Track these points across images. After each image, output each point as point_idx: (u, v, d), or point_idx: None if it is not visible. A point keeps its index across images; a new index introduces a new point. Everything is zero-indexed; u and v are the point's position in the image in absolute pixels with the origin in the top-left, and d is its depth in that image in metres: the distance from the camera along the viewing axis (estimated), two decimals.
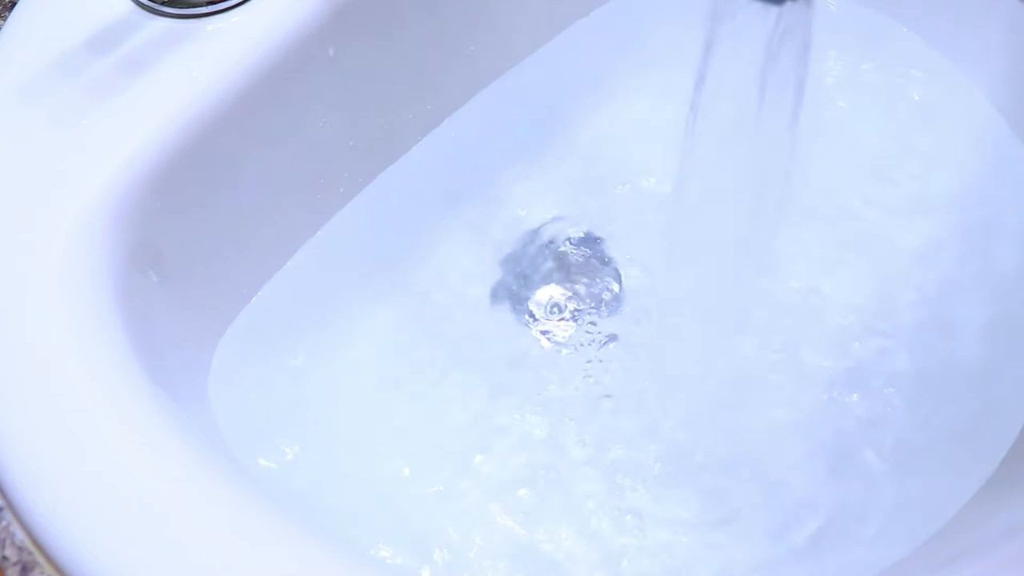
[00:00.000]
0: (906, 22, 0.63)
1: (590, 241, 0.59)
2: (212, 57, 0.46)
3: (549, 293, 0.58)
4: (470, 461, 0.52)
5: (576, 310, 0.57)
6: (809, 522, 0.50)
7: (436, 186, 0.59)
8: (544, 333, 0.56)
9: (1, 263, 0.41)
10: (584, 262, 0.58)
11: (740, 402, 0.54)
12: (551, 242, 0.59)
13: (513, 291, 0.58)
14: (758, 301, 0.56)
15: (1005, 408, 0.52)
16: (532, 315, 0.57)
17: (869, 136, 0.61)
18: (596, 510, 0.51)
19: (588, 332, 0.56)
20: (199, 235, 0.48)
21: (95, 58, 0.45)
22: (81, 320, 0.40)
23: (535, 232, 0.59)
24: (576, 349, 0.56)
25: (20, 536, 0.37)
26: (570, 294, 0.58)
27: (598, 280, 0.58)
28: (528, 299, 0.57)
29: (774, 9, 0.38)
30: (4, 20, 0.47)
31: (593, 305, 0.57)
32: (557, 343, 0.56)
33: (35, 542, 0.36)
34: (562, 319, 0.57)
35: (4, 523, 0.37)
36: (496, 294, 0.58)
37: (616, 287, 0.58)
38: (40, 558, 0.36)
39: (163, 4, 0.46)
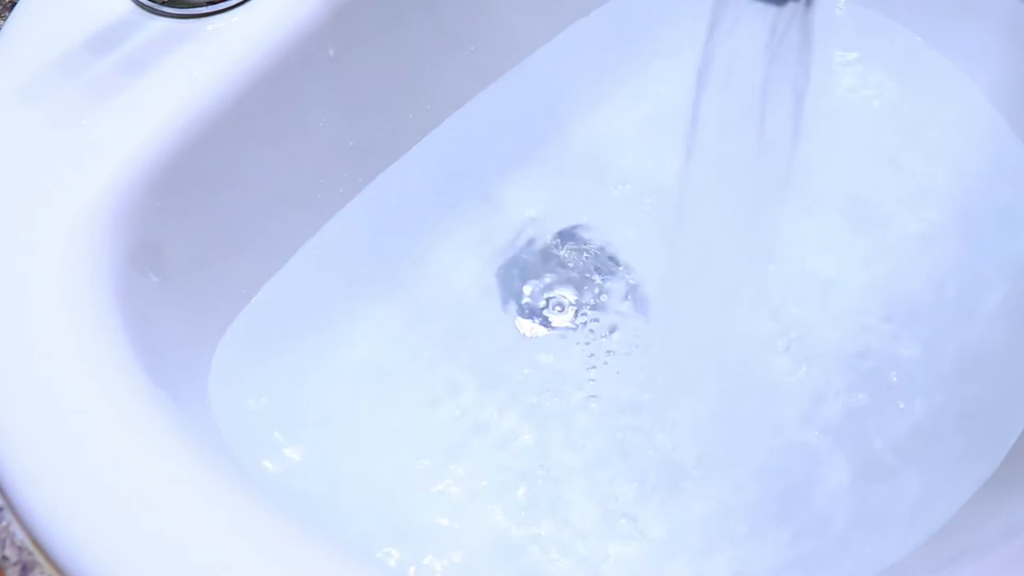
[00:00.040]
0: (906, 22, 0.63)
1: (591, 240, 0.59)
2: (212, 57, 0.46)
3: (550, 292, 0.58)
4: (471, 461, 0.52)
5: (577, 310, 0.57)
6: (808, 522, 0.50)
7: (436, 186, 0.59)
8: (545, 333, 0.56)
9: (1, 263, 0.41)
10: (585, 261, 0.58)
11: (740, 401, 0.54)
12: (551, 242, 0.59)
13: (513, 290, 0.58)
14: (758, 300, 0.56)
15: (1005, 408, 0.52)
16: (533, 314, 0.57)
17: (869, 136, 0.61)
18: (597, 512, 0.51)
19: (591, 331, 0.56)
20: (199, 235, 0.48)
21: (95, 58, 0.45)
22: (81, 320, 0.40)
23: (535, 231, 0.59)
24: (577, 348, 0.56)
25: (20, 536, 0.37)
26: (571, 294, 0.58)
27: (599, 279, 0.58)
28: (529, 298, 0.57)
29: (775, 9, 0.38)
30: (4, 20, 0.47)
31: (595, 304, 0.57)
32: (558, 342, 0.56)
33: (35, 542, 0.36)
34: (563, 318, 0.57)
35: (4, 523, 0.37)
36: (496, 293, 0.58)
37: (618, 286, 0.58)
38: (40, 558, 0.36)
39: (163, 4, 0.46)
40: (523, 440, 0.53)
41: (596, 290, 0.58)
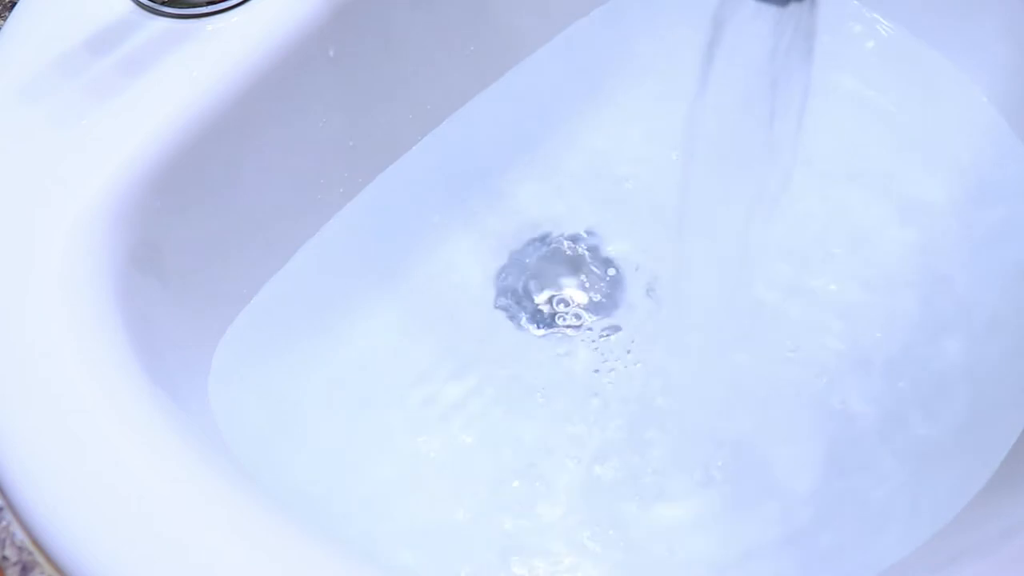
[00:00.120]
0: (906, 22, 0.63)
1: (591, 240, 0.59)
2: (212, 57, 0.46)
3: (551, 293, 0.58)
4: (471, 461, 0.52)
5: (578, 310, 0.57)
6: (808, 522, 0.50)
7: (436, 186, 0.59)
8: (545, 333, 0.56)
9: (1, 263, 0.41)
10: (586, 261, 0.58)
11: (741, 400, 0.54)
12: (552, 242, 0.59)
13: (514, 291, 0.58)
14: (760, 300, 0.56)
15: (1005, 408, 0.52)
16: (533, 314, 0.57)
17: (869, 136, 0.61)
18: (599, 514, 0.51)
19: (591, 331, 0.56)
20: (199, 235, 0.48)
21: (95, 58, 0.45)
22: (81, 320, 0.40)
23: (536, 232, 0.59)
24: (579, 348, 0.56)
25: (20, 536, 0.37)
26: (572, 293, 0.58)
27: (600, 279, 0.58)
28: (529, 298, 0.57)
29: (777, 10, 0.38)
30: (4, 20, 0.47)
31: (596, 304, 0.57)
32: (559, 342, 0.56)
33: (35, 542, 0.36)
34: (564, 318, 0.57)
35: (4, 523, 0.37)
36: (497, 294, 0.58)
37: (619, 285, 0.58)
38: (40, 558, 0.36)
39: (163, 4, 0.46)
40: (525, 440, 0.53)
41: (597, 289, 0.58)
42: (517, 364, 0.55)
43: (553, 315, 0.57)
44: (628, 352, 0.55)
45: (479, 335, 0.56)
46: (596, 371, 0.55)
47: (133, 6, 0.47)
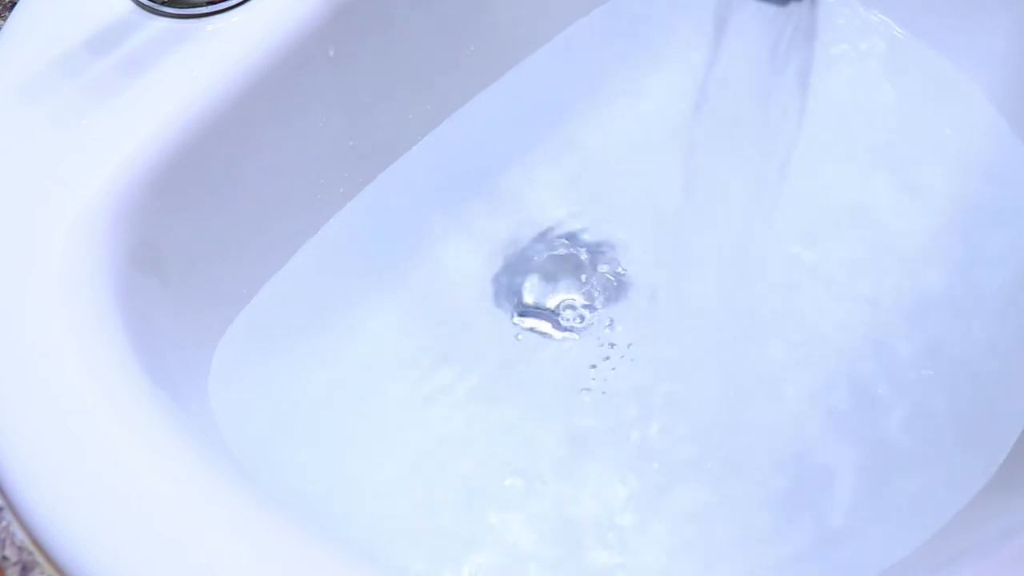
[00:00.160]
0: (906, 22, 0.63)
1: (591, 240, 0.59)
2: (212, 57, 0.46)
3: (551, 293, 0.58)
4: (472, 460, 0.52)
5: (579, 310, 0.57)
6: (808, 521, 0.50)
7: (436, 186, 0.59)
8: (546, 333, 0.56)
9: (1, 263, 0.41)
10: (586, 261, 0.58)
11: (740, 399, 0.54)
12: (552, 242, 0.59)
13: (515, 291, 0.58)
14: (760, 298, 0.56)
15: (1006, 408, 0.52)
16: (534, 314, 0.57)
17: (869, 136, 0.61)
18: (601, 513, 0.51)
19: (593, 330, 0.56)
20: (199, 235, 0.48)
21: (95, 58, 0.45)
22: (81, 320, 0.40)
23: (536, 232, 0.59)
24: (579, 347, 0.56)
25: (20, 536, 0.37)
26: (572, 293, 0.58)
27: (601, 279, 0.58)
28: (530, 298, 0.57)
29: (777, 9, 0.38)
30: (4, 20, 0.47)
31: (597, 303, 0.57)
32: (559, 342, 0.56)
33: (35, 542, 0.36)
34: (565, 318, 0.57)
35: (4, 523, 0.37)
36: (497, 294, 0.58)
37: (620, 285, 0.58)
38: (40, 558, 0.36)
39: (163, 4, 0.46)
40: (526, 439, 0.53)
41: (598, 289, 0.58)
42: (518, 362, 0.55)
43: (554, 314, 0.57)
44: (629, 349, 0.55)
45: (480, 335, 0.56)
46: (597, 368, 0.55)
47: (133, 6, 0.47)
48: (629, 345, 0.56)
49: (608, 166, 0.61)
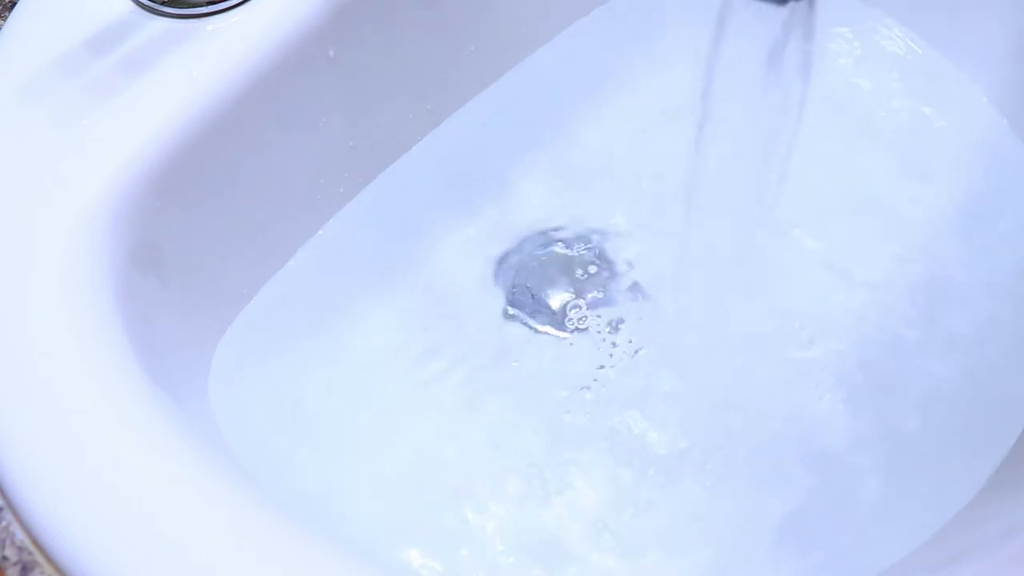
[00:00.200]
0: (906, 22, 0.63)
1: (592, 240, 0.59)
2: (212, 57, 0.46)
3: (551, 292, 0.58)
4: (472, 460, 0.52)
5: (580, 309, 0.57)
6: (808, 521, 0.50)
7: (436, 186, 0.59)
8: (547, 332, 0.56)
9: (1, 263, 0.41)
10: (586, 261, 0.58)
11: (741, 398, 0.54)
12: (552, 241, 0.59)
13: (515, 290, 0.58)
14: (763, 296, 0.56)
15: (1006, 408, 0.52)
16: (534, 313, 0.57)
17: (869, 135, 0.61)
18: (604, 519, 0.51)
19: (594, 330, 0.56)
20: (199, 235, 0.48)
21: (95, 58, 0.45)
22: (81, 320, 0.40)
23: (536, 231, 0.59)
24: (580, 347, 0.56)
25: (20, 536, 0.37)
26: (573, 293, 0.58)
27: (601, 278, 0.58)
28: (530, 297, 0.57)
29: (776, 9, 0.38)
30: (4, 20, 0.47)
31: (598, 303, 0.57)
32: (560, 341, 0.56)
33: (35, 542, 0.36)
34: (566, 317, 0.57)
35: (4, 523, 0.37)
36: (498, 293, 0.58)
37: (621, 284, 0.58)
38: (40, 558, 0.36)
39: (163, 4, 0.46)
40: (526, 439, 0.53)
41: (599, 288, 0.58)
42: (519, 363, 0.55)
43: (554, 313, 0.57)
44: (631, 348, 0.55)
45: (480, 334, 0.56)
46: (600, 367, 0.55)
47: (133, 6, 0.47)
48: (631, 343, 0.56)
49: (608, 166, 0.61)
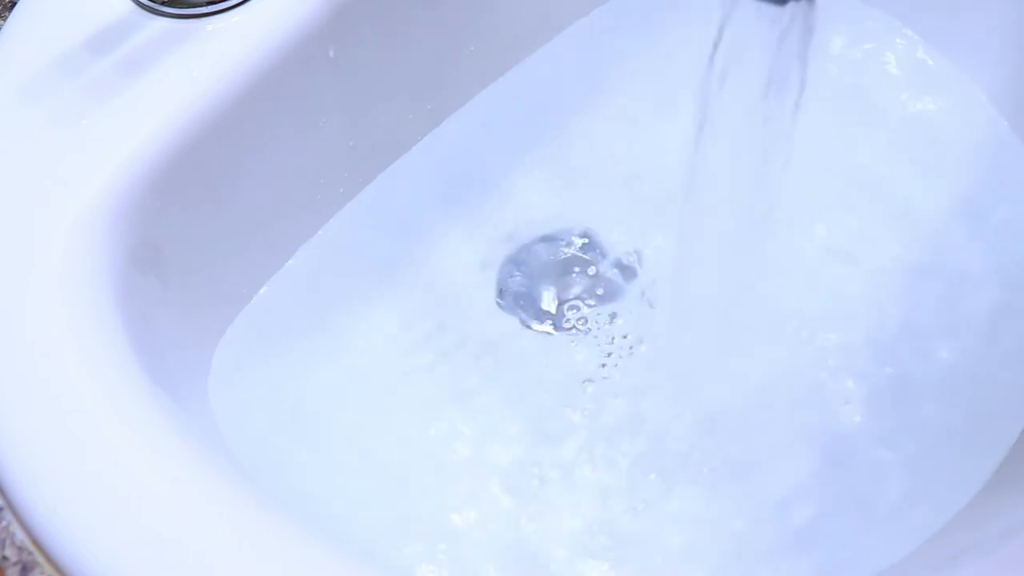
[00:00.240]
0: (907, 22, 0.63)
1: (592, 239, 0.59)
2: (212, 57, 0.46)
3: (552, 292, 0.58)
4: (473, 460, 0.52)
5: (581, 308, 0.57)
6: (808, 521, 0.50)
7: (436, 186, 0.59)
8: (547, 331, 0.56)
9: (1, 263, 0.41)
10: (587, 260, 0.58)
11: (741, 397, 0.54)
12: (553, 241, 0.59)
13: (515, 289, 0.58)
14: (761, 295, 0.56)
15: (1005, 408, 0.52)
16: (534, 313, 0.57)
17: (869, 135, 0.61)
18: (604, 513, 0.51)
19: (594, 330, 0.56)
20: (199, 235, 0.48)
21: (95, 58, 0.45)
22: (81, 320, 0.40)
23: (536, 231, 0.59)
24: (581, 347, 0.56)
25: (20, 536, 0.37)
26: (573, 292, 0.58)
27: (602, 278, 0.58)
28: (530, 298, 0.57)
29: (776, 9, 0.38)
30: (4, 20, 0.47)
31: (599, 303, 0.57)
32: (560, 341, 0.56)
33: (35, 542, 0.36)
34: (566, 316, 0.57)
35: (4, 523, 0.37)
36: (498, 293, 0.58)
37: (622, 284, 0.58)
38: (40, 558, 0.36)
39: (163, 4, 0.46)
40: (526, 439, 0.53)
41: (598, 288, 0.58)
42: (519, 362, 0.55)
43: (554, 313, 0.57)
44: (631, 348, 0.55)
45: (480, 334, 0.56)
46: (601, 365, 0.55)
47: (133, 6, 0.47)
48: (630, 341, 0.56)
49: (609, 166, 0.61)
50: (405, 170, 0.58)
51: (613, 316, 0.57)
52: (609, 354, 0.55)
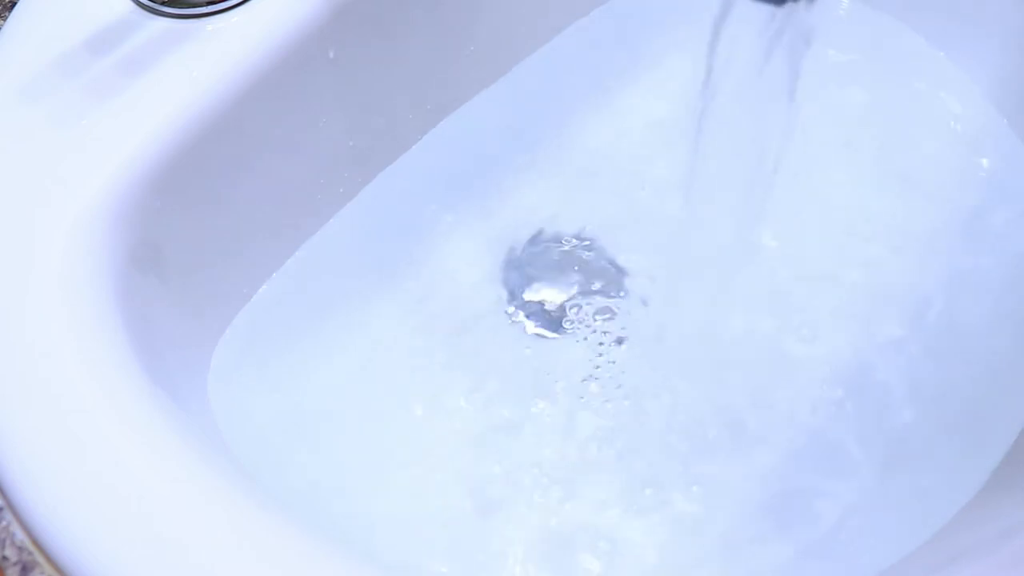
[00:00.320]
0: (907, 21, 0.63)
1: (592, 239, 0.59)
2: (212, 57, 0.46)
3: (551, 291, 0.58)
4: (473, 460, 0.52)
5: (580, 308, 0.57)
6: (808, 521, 0.50)
7: (436, 186, 0.59)
8: (546, 331, 0.56)
9: (1, 263, 0.41)
10: (586, 260, 0.58)
11: (741, 397, 0.54)
12: (552, 241, 0.59)
13: (515, 290, 0.58)
14: (760, 295, 0.56)
15: (1005, 408, 0.52)
16: (534, 313, 0.57)
17: (869, 135, 0.61)
18: (607, 512, 0.51)
19: (594, 329, 0.56)
20: (199, 235, 0.48)
21: (95, 58, 0.45)
22: (81, 320, 0.40)
23: (536, 231, 0.59)
24: (581, 347, 0.56)
25: (20, 536, 0.37)
26: (573, 292, 0.58)
27: (602, 278, 0.58)
28: (530, 297, 0.57)
29: (775, 9, 0.38)
30: (4, 20, 0.47)
31: (599, 302, 0.57)
32: (561, 341, 0.56)
33: (35, 542, 0.36)
34: (566, 316, 0.57)
35: (4, 523, 0.37)
36: (498, 293, 0.58)
37: (621, 283, 0.58)
38: (40, 558, 0.36)
39: (163, 4, 0.46)
40: (526, 439, 0.53)
41: (598, 287, 0.58)
42: (519, 362, 0.55)
43: (554, 312, 0.57)
44: (632, 348, 0.55)
45: (480, 334, 0.56)
46: (599, 367, 0.55)
47: (133, 6, 0.47)
48: (630, 341, 0.56)
49: (608, 166, 0.61)
50: (405, 170, 0.58)
51: (612, 315, 0.57)
52: (609, 353, 0.55)
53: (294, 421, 0.52)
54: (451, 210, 0.59)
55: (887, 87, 0.63)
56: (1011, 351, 0.54)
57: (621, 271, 0.58)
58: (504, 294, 0.57)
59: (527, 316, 0.57)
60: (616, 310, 0.57)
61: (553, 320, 0.57)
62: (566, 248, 0.59)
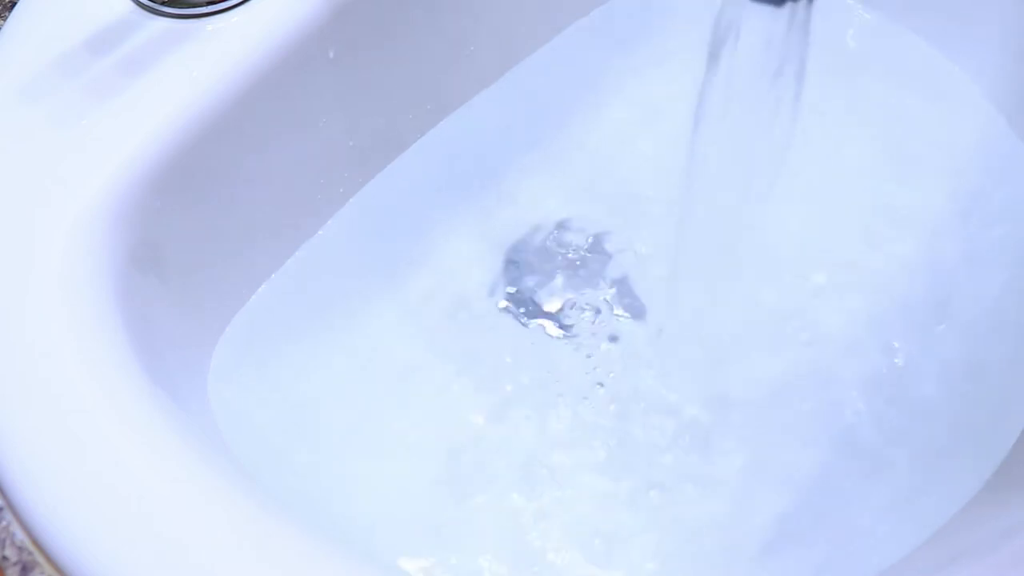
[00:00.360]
0: (906, 21, 0.63)
1: (592, 239, 0.59)
2: (212, 57, 0.46)
3: (551, 291, 0.58)
4: (473, 460, 0.52)
5: (580, 307, 0.57)
6: (807, 521, 0.50)
7: (436, 186, 0.59)
8: (546, 331, 0.56)
9: (1, 263, 0.41)
10: (586, 260, 0.58)
11: (741, 398, 0.54)
12: (552, 240, 0.59)
13: (515, 290, 0.58)
14: (760, 295, 0.56)
15: (1006, 408, 0.52)
16: (534, 313, 0.57)
17: (869, 135, 0.61)
18: (598, 512, 0.51)
19: (593, 330, 0.56)
20: (199, 235, 0.48)
21: (95, 58, 0.45)
22: (81, 320, 0.40)
23: (536, 231, 0.59)
24: (581, 346, 0.56)
25: (20, 536, 0.37)
26: (573, 291, 0.58)
27: (602, 278, 0.58)
28: (530, 297, 0.57)
29: (775, 9, 0.38)
30: (4, 20, 0.47)
31: (598, 302, 0.57)
32: (560, 341, 0.56)
33: (35, 542, 0.36)
34: (566, 316, 0.57)
35: (4, 523, 0.37)
36: (498, 293, 0.58)
37: (621, 283, 0.58)
38: (40, 558, 0.36)
39: (163, 4, 0.46)
40: (526, 439, 0.53)
41: (599, 288, 0.58)
42: (519, 362, 0.55)
43: (554, 312, 0.57)
44: (632, 348, 0.55)
45: (480, 334, 0.56)
46: (598, 367, 0.55)
47: (133, 6, 0.47)
48: (630, 341, 0.56)
49: (609, 165, 0.61)
50: (405, 170, 0.58)
51: (612, 315, 0.57)
52: (609, 353, 0.55)
53: (294, 421, 0.52)
54: (451, 210, 0.59)
55: (887, 87, 0.63)
56: (1011, 350, 0.54)
57: (622, 271, 0.58)
58: (503, 294, 0.58)
59: (527, 316, 0.57)
60: (617, 309, 0.57)
61: (553, 319, 0.57)
62: (566, 247, 0.59)
